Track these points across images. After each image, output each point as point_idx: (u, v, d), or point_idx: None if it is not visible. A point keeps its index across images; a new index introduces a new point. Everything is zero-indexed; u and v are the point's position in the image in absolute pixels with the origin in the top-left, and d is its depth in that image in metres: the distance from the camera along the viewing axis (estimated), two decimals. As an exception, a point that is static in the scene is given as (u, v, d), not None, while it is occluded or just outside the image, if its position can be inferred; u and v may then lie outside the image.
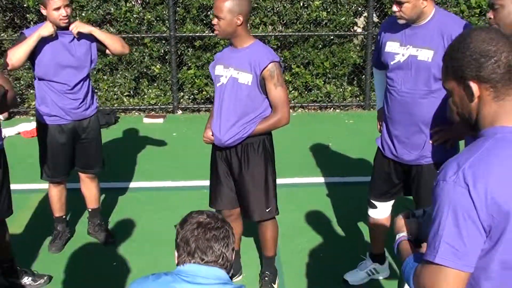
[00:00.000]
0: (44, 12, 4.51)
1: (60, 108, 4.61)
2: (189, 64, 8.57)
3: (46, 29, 4.45)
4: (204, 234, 2.37)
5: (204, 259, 2.35)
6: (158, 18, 8.39)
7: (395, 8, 3.70)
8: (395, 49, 3.82)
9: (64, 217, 4.98)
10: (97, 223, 5.05)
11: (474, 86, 1.88)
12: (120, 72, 8.62)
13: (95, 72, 8.61)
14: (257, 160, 4.03)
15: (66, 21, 4.50)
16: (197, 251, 2.35)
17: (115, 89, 8.68)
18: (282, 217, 5.31)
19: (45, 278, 4.39)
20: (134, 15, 8.33)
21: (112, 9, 8.33)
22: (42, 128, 4.70)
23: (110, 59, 8.50)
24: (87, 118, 4.76)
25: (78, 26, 4.55)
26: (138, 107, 8.70)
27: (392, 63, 3.84)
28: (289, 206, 5.53)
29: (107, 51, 4.79)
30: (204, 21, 8.43)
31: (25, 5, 8.39)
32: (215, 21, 3.87)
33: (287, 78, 8.54)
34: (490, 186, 1.76)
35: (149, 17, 8.33)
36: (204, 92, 8.64)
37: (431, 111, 3.74)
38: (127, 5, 8.31)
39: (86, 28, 4.58)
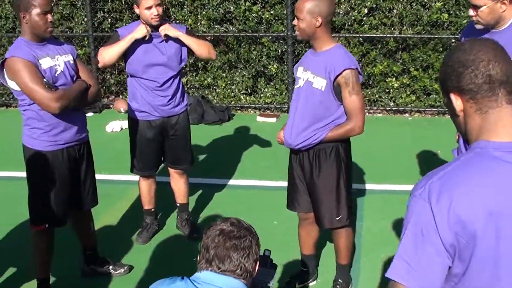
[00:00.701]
0: (137, 11, 4.65)
1: (149, 104, 4.74)
2: (305, 64, 8.51)
3: (140, 31, 4.59)
4: (224, 242, 2.34)
5: (220, 267, 2.32)
6: (276, 18, 8.41)
7: (471, 12, 3.52)
8: None
9: (153, 210, 5.12)
10: (185, 218, 5.15)
11: (454, 98, 1.75)
12: (239, 71, 8.74)
13: (214, 70, 8.81)
14: (328, 166, 3.91)
15: (157, 19, 4.60)
16: (215, 259, 2.33)
17: (232, 87, 8.82)
18: (371, 224, 5.20)
19: (125, 268, 4.54)
20: (253, 14, 8.40)
21: (232, 7, 8.47)
22: (132, 123, 4.87)
23: (229, 57, 8.66)
24: (176, 115, 4.86)
25: (166, 29, 4.65)
26: (253, 105, 8.78)
27: None
28: (380, 214, 5.36)
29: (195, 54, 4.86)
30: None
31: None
32: (295, 21, 3.82)
33: (405, 81, 8.24)
34: (455, 202, 1.62)
35: (268, 16, 8.36)
36: (319, 93, 8.54)
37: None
38: (246, 4, 8.40)
39: (173, 32, 4.67)
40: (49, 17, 3.88)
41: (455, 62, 1.73)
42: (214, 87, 8.94)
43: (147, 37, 4.62)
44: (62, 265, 4.57)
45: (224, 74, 8.83)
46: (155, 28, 4.66)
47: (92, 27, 8.90)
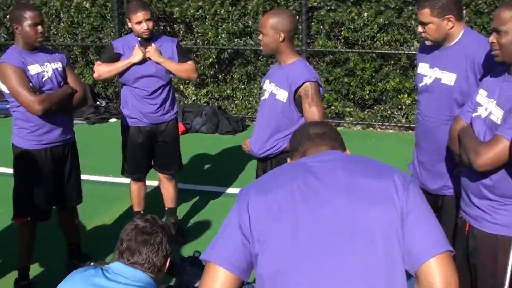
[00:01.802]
0: (129, 25, 4.96)
1: (139, 111, 5.02)
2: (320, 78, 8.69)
3: (137, 57, 4.90)
4: (136, 236, 2.56)
5: (130, 259, 2.53)
6: (292, 33, 8.62)
7: (420, 28, 3.63)
8: (425, 71, 3.73)
9: (141, 212, 5.36)
10: (172, 222, 5.37)
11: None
12: (257, 83, 8.99)
13: (233, 82, 9.09)
14: (289, 175, 4.09)
15: (148, 33, 4.88)
16: (127, 251, 2.55)
17: (250, 99, 9.07)
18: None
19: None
20: (271, 29, 8.63)
21: (250, 22, 8.73)
22: (124, 128, 5.15)
23: (248, 70, 8.93)
24: (164, 122, 5.12)
25: (152, 54, 4.91)
26: (269, 117, 8.98)
27: (420, 85, 3.76)
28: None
29: None
30: (337, 37, 8.53)
31: (174, 16, 9.12)
32: (260, 36, 4.03)
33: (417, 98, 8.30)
34: (252, 195, 2.03)
35: (284, 31, 8.58)
36: (332, 107, 8.71)
37: (455, 139, 3.56)
38: (264, 19, 8.65)
39: (156, 58, 4.93)
40: (39, 28, 4.23)
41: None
42: (234, 99, 9.21)
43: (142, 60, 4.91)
44: (51, 257, 4.90)
45: (242, 86, 9.10)
46: (146, 40, 4.95)
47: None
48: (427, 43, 3.65)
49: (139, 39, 4.96)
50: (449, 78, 3.53)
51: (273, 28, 3.91)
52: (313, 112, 3.90)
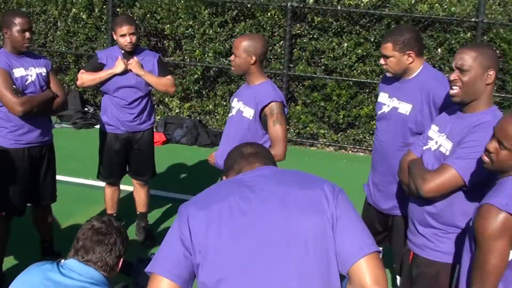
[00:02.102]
0: (115, 37, 5.27)
1: (117, 119, 5.31)
2: (298, 101, 9.04)
3: (119, 68, 5.20)
4: (92, 236, 2.75)
5: (84, 257, 2.72)
6: (275, 57, 9.00)
7: (382, 61, 3.90)
8: (384, 100, 4.00)
9: (114, 215, 5.61)
10: (142, 226, 5.65)
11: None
12: (239, 101, 9.31)
13: (216, 98, 9.41)
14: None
15: (130, 47, 5.19)
16: (81, 249, 2.74)
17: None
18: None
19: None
20: (255, 51, 8.99)
21: (236, 43, 9.07)
22: (102, 134, 5.44)
23: (230, 88, 9.25)
24: (141, 131, 5.41)
25: (133, 66, 5.22)
26: (248, 134, 9.30)
27: (379, 112, 4.02)
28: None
29: None
30: (317, 63, 8.91)
31: (165, 33, 9.45)
32: (232, 57, 4.31)
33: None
34: (193, 204, 2.19)
35: (267, 55, 8.91)
36: (308, 128, 9.07)
37: (406, 164, 3.82)
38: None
39: (137, 70, 5.23)
40: (27, 34, 4.52)
41: None
42: (215, 114, 9.54)
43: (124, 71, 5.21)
44: (26, 252, 5.13)
45: (224, 103, 9.43)
46: (129, 53, 5.26)
47: (111, 49, 9.66)
48: (388, 75, 3.93)
49: (122, 51, 5.26)
50: (405, 108, 3.81)
51: (246, 51, 4.18)
52: (276, 130, 4.17)
